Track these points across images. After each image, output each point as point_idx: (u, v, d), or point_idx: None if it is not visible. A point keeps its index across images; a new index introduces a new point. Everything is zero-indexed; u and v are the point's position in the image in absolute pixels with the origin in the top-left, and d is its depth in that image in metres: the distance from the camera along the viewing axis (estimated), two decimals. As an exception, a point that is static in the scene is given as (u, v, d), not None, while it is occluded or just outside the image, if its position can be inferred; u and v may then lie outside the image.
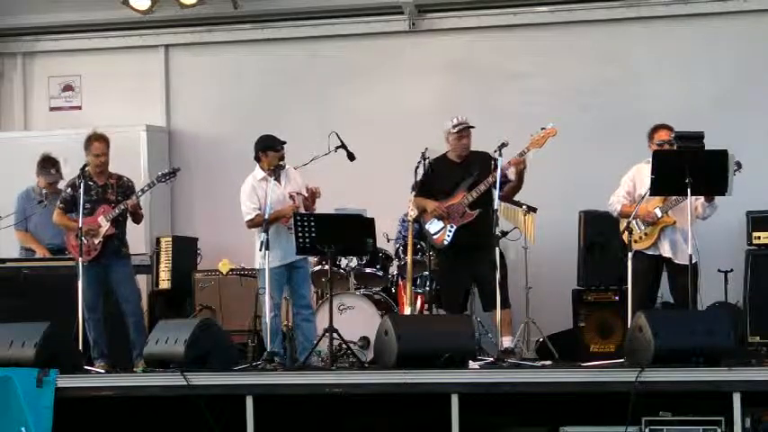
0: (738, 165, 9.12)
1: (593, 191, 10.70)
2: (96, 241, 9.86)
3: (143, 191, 10.07)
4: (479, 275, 9.77)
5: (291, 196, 9.82)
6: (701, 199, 9.21)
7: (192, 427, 8.72)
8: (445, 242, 9.88)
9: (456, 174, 9.90)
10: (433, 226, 9.92)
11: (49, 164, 10.91)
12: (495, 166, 9.44)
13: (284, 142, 9.91)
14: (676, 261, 9.36)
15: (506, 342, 9.66)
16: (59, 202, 10.11)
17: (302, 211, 9.73)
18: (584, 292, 10.62)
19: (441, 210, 9.84)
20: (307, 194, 9.83)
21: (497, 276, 9.22)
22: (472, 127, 9.92)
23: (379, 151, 11.61)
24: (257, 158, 9.89)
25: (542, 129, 9.65)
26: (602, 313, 10.50)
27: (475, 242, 9.65)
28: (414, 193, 10.08)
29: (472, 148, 9.94)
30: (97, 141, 10.01)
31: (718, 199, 9.22)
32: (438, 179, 10.01)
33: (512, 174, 9.69)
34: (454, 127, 9.89)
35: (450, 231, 9.85)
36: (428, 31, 12.28)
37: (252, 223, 9.73)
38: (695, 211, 9.25)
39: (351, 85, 12.33)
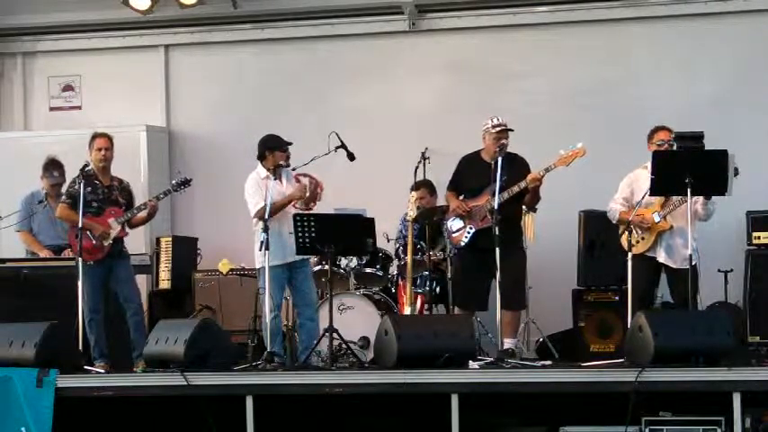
0: (735, 170, 9.10)
1: (593, 191, 10.71)
2: (106, 243, 9.86)
3: (158, 198, 10.07)
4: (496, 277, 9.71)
5: (298, 179, 9.81)
6: (700, 200, 9.20)
7: (192, 427, 8.73)
8: (462, 243, 9.89)
9: (484, 174, 9.80)
10: (454, 224, 9.93)
11: (53, 167, 10.89)
12: (496, 167, 9.42)
13: (290, 143, 9.93)
14: (674, 266, 9.36)
15: (507, 343, 9.64)
16: (65, 197, 10.07)
17: (308, 194, 9.75)
18: (584, 292, 10.62)
19: (462, 209, 9.82)
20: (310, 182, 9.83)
21: (498, 276, 9.20)
22: (511, 130, 9.86)
23: (379, 151, 11.61)
24: (262, 157, 9.88)
25: (572, 147, 9.60)
26: (602, 313, 10.50)
27: (494, 246, 9.54)
28: (416, 190, 10.10)
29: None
30: (100, 137, 10.04)
31: (717, 198, 9.23)
32: (467, 177, 9.98)
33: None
34: (494, 127, 9.84)
35: (468, 233, 9.86)
36: (428, 31, 12.28)
37: (260, 214, 9.66)
38: (696, 214, 9.25)
39: (351, 85, 12.33)
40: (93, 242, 9.81)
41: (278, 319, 9.73)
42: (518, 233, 9.96)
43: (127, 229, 10.04)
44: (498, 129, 9.84)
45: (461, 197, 10.00)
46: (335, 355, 9.52)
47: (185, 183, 10.15)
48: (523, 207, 10.47)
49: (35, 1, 12.77)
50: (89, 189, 9.80)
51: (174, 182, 10.21)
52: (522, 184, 9.61)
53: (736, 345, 8.73)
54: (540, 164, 9.84)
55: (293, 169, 10.08)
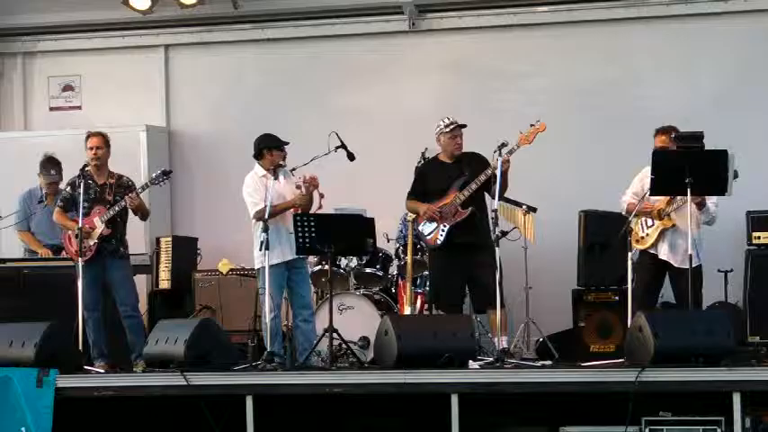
0: (735, 173, 9.09)
1: (593, 191, 10.72)
2: (91, 243, 9.83)
3: (137, 193, 10.00)
4: (474, 277, 9.75)
5: (298, 186, 9.82)
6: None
7: (192, 427, 8.73)
8: (438, 242, 9.87)
9: (448, 174, 9.88)
10: (426, 227, 9.92)
11: (50, 165, 10.90)
12: (496, 167, 9.43)
13: (287, 142, 9.93)
14: (676, 265, 9.39)
15: (504, 342, 9.64)
16: (59, 201, 10.11)
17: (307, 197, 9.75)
18: (584, 292, 10.61)
19: (432, 211, 9.83)
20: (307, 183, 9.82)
21: (497, 277, 9.20)
22: (464, 126, 9.91)
23: (379, 151, 11.61)
24: (259, 156, 9.88)
25: (531, 125, 9.64)
26: (602, 313, 10.50)
27: (469, 242, 9.65)
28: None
29: (466, 148, 9.93)
30: (93, 136, 10.03)
31: (717, 199, 9.24)
32: (430, 181, 10.01)
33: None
34: (446, 126, 9.89)
35: (443, 231, 9.84)
36: (428, 31, 12.28)
37: (259, 214, 9.67)
38: (699, 218, 9.29)
39: (351, 85, 12.34)
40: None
41: (278, 318, 9.73)
42: (488, 229, 9.91)
43: (121, 227, 9.99)
44: (451, 127, 9.85)
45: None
46: (335, 355, 9.52)
47: (164, 174, 10.04)
48: (523, 207, 10.49)
49: (35, 1, 12.77)
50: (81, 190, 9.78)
51: (152, 175, 10.13)
52: (489, 171, 9.59)
53: (736, 345, 8.73)
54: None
55: (293, 169, 10.08)
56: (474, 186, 9.70)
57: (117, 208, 9.88)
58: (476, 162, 9.76)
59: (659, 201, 9.39)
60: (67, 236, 9.98)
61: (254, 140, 9.98)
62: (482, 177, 9.64)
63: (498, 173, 9.37)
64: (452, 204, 9.79)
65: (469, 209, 9.71)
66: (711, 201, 9.29)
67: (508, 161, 9.52)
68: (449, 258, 9.88)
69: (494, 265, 9.19)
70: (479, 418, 8.45)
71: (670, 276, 9.53)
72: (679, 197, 9.27)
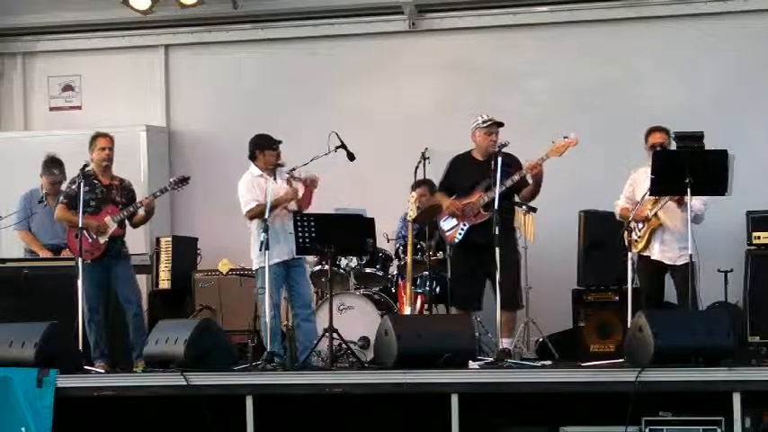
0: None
1: (593, 191, 10.71)
2: (102, 240, 9.87)
3: (155, 195, 10.06)
4: (493, 275, 9.71)
5: (289, 181, 9.81)
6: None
7: (192, 427, 8.73)
8: (456, 240, 9.88)
9: (477, 172, 9.83)
10: (447, 223, 9.93)
11: (53, 165, 10.90)
12: (496, 166, 9.43)
13: (280, 141, 9.93)
14: (668, 263, 9.42)
15: (505, 343, 9.64)
16: (63, 198, 10.09)
17: (300, 194, 9.75)
18: (584, 292, 10.61)
19: (455, 208, 9.83)
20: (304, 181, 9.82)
21: (498, 276, 9.20)
22: (501, 124, 9.88)
23: (379, 151, 11.61)
24: (253, 157, 9.90)
25: (564, 137, 9.61)
26: (602, 313, 10.50)
27: (488, 242, 9.60)
28: (417, 188, 10.11)
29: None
30: (102, 137, 10.07)
31: (719, 199, 9.24)
32: (459, 176, 9.98)
33: (530, 177, 9.67)
34: (484, 123, 9.86)
35: (462, 230, 9.84)
36: (428, 31, 12.28)
37: (252, 213, 9.70)
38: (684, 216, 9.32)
39: (351, 85, 12.33)
40: (90, 240, 9.81)
41: (277, 318, 9.72)
42: (511, 231, 9.93)
43: (126, 228, 10.05)
44: (488, 123, 9.84)
45: (453, 197, 10.00)
46: (335, 355, 9.52)
47: (183, 180, 10.15)
48: (523, 207, 10.48)
49: (35, 1, 12.77)
50: (87, 189, 9.80)
51: (171, 179, 10.21)
52: (516, 177, 9.58)
53: (737, 345, 8.73)
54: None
55: (293, 169, 10.08)
56: (501, 188, 9.63)
57: (132, 209, 9.94)
58: (507, 165, 9.69)
59: (649, 200, 9.40)
60: (72, 234, 9.97)
61: (251, 141, 10.01)
62: (508, 183, 9.58)
63: (498, 175, 9.36)
64: (475, 205, 9.78)
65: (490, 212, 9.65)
66: (701, 199, 9.27)
67: (537, 167, 9.49)
68: (466, 257, 9.89)
69: (516, 265, 9.27)
70: (479, 418, 8.45)
71: (670, 275, 9.55)
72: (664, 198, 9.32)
